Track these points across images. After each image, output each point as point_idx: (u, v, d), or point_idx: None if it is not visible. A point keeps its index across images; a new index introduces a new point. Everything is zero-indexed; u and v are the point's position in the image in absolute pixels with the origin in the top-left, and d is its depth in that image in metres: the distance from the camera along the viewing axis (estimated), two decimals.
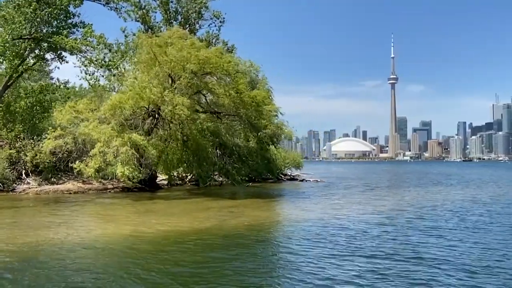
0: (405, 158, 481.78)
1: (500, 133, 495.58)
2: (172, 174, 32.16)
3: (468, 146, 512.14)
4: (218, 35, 66.05)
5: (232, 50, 66.37)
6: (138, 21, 56.93)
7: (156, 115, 25.63)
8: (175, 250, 11.73)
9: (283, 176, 47.07)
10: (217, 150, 26.32)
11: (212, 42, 66.65)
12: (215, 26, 63.29)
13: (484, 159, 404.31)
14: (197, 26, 64.51)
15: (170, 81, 25.58)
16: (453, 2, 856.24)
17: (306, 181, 45.51)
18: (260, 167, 27.85)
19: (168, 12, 60.88)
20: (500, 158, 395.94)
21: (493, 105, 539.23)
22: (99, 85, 31.49)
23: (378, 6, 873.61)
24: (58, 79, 35.90)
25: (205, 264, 10.02)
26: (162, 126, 24.81)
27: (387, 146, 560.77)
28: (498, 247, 12.02)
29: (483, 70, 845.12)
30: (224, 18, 62.90)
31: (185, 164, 26.02)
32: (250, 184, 38.32)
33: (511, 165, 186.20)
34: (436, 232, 14.65)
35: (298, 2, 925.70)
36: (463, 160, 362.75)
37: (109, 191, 30.03)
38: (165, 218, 18.01)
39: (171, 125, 24.25)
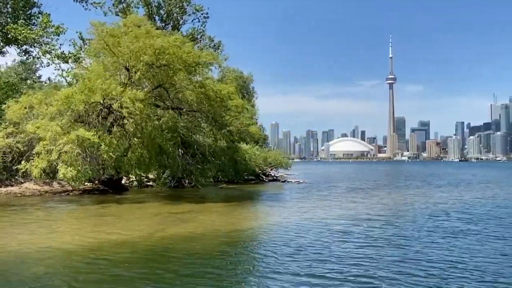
0: (403, 158, 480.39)
1: (498, 133, 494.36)
2: (140, 174, 30.26)
3: (466, 146, 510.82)
4: (203, 31, 64.27)
5: (219, 46, 64.24)
6: (118, 15, 55.06)
7: (114, 111, 23.57)
8: (72, 269, 9.78)
9: (264, 177, 45.20)
10: (180, 150, 24.29)
11: (197, 38, 64.90)
12: (199, 21, 61.54)
13: (482, 159, 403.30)
14: (181, 21, 62.84)
15: (127, 74, 23.54)
16: (452, 2, 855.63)
17: (288, 182, 43.65)
18: (227, 168, 25.83)
19: (150, 6, 58.83)
20: (498, 158, 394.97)
21: (491, 105, 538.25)
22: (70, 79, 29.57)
23: (376, 6, 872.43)
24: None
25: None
26: (117, 123, 22.76)
27: (386, 146, 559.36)
28: (460, 265, 10.04)
29: (481, 70, 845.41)
30: (207, 13, 61.20)
31: (144, 165, 23.97)
32: (224, 185, 36.34)
33: (508, 165, 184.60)
34: (395, 242, 12.70)
35: (297, 2, 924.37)
36: (460, 160, 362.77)
37: (68, 194, 28.00)
38: (100, 226, 16.12)
39: (125, 121, 22.22)
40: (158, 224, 16.39)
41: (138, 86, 25.52)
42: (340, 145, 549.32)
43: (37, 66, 43.58)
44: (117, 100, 20.73)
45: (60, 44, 29.38)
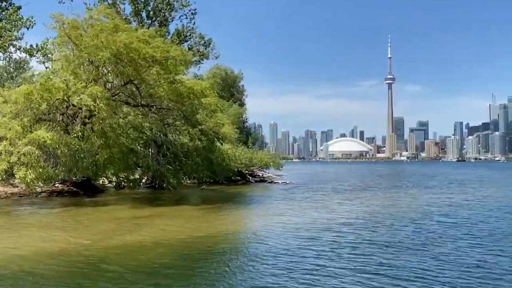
0: (402, 158, 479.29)
1: (497, 133, 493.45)
2: (118, 175, 28.93)
3: (465, 146, 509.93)
4: (193, 28, 62.99)
5: (210, 44, 63.12)
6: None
7: (81, 109, 22.23)
8: None
9: (251, 178, 43.92)
10: (150, 149, 22.99)
11: (186, 35, 63.54)
12: (187, 18, 60.28)
13: (480, 159, 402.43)
14: (169, 18, 61.52)
15: (92, 69, 22.20)
16: (451, 2, 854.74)
17: (274, 183, 42.38)
18: (201, 168, 24.50)
19: (136, 2, 57.59)
20: (497, 158, 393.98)
21: (489, 105, 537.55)
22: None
23: (375, 6, 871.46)
24: None
25: None
26: (82, 122, 21.42)
27: (384, 146, 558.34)
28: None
29: (480, 70, 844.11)
30: (195, 9, 59.91)
31: (112, 166, 22.61)
32: (205, 187, 35.02)
33: (507, 165, 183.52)
34: (361, 250, 11.41)
35: (295, 1, 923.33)
36: (457, 160, 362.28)
37: (36, 196, 26.66)
38: (46, 231, 14.94)
39: (87, 119, 20.89)
40: (111, 230, 15.07)
41: (108, 82, 24.25)
42: (339, 145, 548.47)
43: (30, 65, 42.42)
44: (78, 97, 19.38)
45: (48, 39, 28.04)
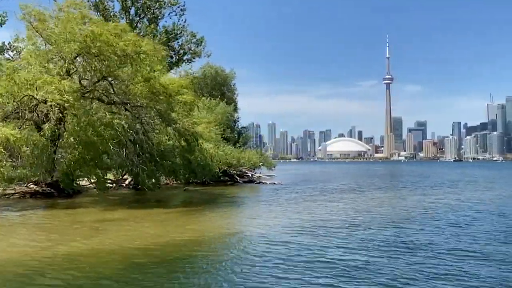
0: (400, 158, 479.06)
1: (495, 133, 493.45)
2: (99, 175, 27.88)
3: (463, 146, 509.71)
4: (183, 26, 61.96)
5: (201, 42, 62.23)
6: (90, 9, 52.71)
7: (49, 107, 21.17)
8: None
9: (239, 178, 42.93)
10: (124, 149, 21.96)
11: (177, 33, 62.48)
12: (176, 14, 59.32)
13: (479, 159, 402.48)
14: (159, 16, 60.53)
15: (62, 64, 21.18)
16: (449, 3, 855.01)
17: (263, 183, 41.40)
18: (178, 168, 23.43)
19: None
20: (495, 158, 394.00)
21: (487, 105, 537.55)
22: None
23: (373, 6, 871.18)
24: None
25: None
26: (50, 119, 20.39)
27: (383, 146, 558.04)
28: None
29: (478, 71, 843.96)
30: (184, 5, 58.95)
31: (84, 166, 21.56)
32: (188, 188, 33.98)
33: (504, 165, 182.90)
34: (327, 257, 10.40)
35: (294, 1, 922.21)
36: (455, 160, 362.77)
37: (8, 197, 25.56)
38: None
39: (55, 116, 19.87)
40: (68, 235, 14.03)
41: (85, 79, 23.23)
42: (337, 145, 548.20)
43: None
44: (42, 92, 18.33)
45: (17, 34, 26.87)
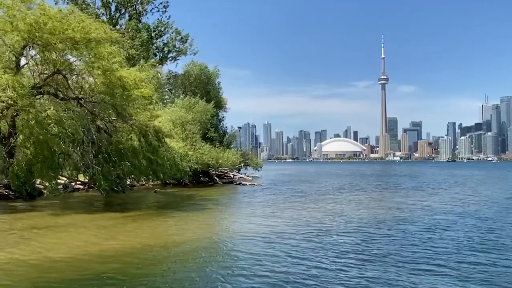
0: (395, 158, 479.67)
1: (489, 133, 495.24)
2: (69, 177, 26.41)
3: (457, 147, 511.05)
4: (167, 23, 60.48)
5: (187, 40, 60.78)
6: (67, 3, 51.18)
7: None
8: None
9: (218, 179, 41.55)
10: (78, 148, 20.51)
11: (161, 30, 60.97)
12: (158, 10, 57.87)
13: (473, 159, 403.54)
14: (142, 12, 59.02)
15: (10, 56, 19.66)
16: (444, 3, 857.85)
17: (242, 184, 40.03)
18: (138, 169, 21.93)
19: None
20: (489, 158, 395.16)
21: (482, 105, 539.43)
22: None
23: (369, 7, 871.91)
24: None
25: None
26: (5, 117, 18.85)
27: (378, 147, 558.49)
28: None
29: (473, 71, 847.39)
30: (167, 1, 57.53)
31: (35, 167, 20.06)
32: (158, 190, 32.50)
33: (498, 165, 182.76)
34: (269, 267, 9.04)
35: (290, 3, 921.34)
36: (447, 161, 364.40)
37: None
38: None
39: (9, 114, 18.35)
40: None
41: (42, 73, 21.67)
42: (333, 146, 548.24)
43: None
44: None
45: None
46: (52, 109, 18.77)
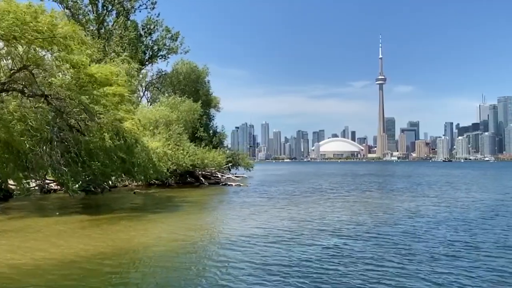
0: (393, 158, 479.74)
1: (486, 133, 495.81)
2: (44, 178, 25.43)
3: (455, 147, 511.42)
4: (157, 20, 59.55)
5: (177, 38, 59.83)
6: (54, 1, 50.16)
7: None
8: None
9: (204, 180, 40.61)
10: (45, 148, 19.60)
11: (150, 28, 60.02)
12: (146, 7, 56.90)
13: (470, 159, 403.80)
14: (131, 10, 58.07)
15: None
16: (442, 4, 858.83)
17: (228, 185, 39.12)
18: (109, 170, 20.92)
19: None
20: (487, 158, 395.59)
21: (479, 105, 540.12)
22: None
23: (366, 7, 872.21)
24: None
25: None
26: None
27: (376, 147, 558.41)
28: None
29: (470, 71, 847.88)
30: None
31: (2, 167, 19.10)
32: (138, 191, 31.53)
33: (494, 165, 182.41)
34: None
35: (287, 3, 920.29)
36: (444, 161, 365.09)
37: None
38: None
39: None
40: None
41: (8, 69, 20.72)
42: (330, 146, 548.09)
43: None
44: None
45: None
46: (13, 104, 17.81)
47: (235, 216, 18.91)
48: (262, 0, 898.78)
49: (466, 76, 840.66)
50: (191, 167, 37.32)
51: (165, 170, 27.19)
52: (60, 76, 19.87)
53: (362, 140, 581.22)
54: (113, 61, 22.85)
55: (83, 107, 19.66)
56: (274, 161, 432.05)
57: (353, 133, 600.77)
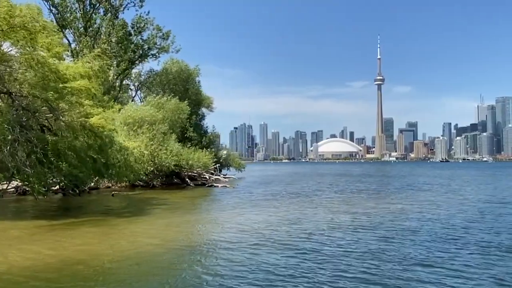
0: (391, 158, 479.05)
1: (484, 134, 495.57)
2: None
3: (453, 147, 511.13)
4: (147, 19, 58.46)
5: (168, 36, 58.72)
6: None
7: None
8: None
9: (189, 181, 39.57)
10: (9, 148, 18.54)
11: (140, 26, 58.88)
12: (135, 5, 55.83)
13: (468, 159, 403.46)
14: (120, 8, 57.03)
15: None
16: (439, 4, 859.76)
17: (214, 186, 38.09)
18: (77, 170, 19.78)
19: None
20: (485, 159, 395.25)
21: (477, 106, 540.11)
22: None
23: (364, 7, 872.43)
24: None
25: None
26: None
27: (374, 147, 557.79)
28: None
29: (469, 72, 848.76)
30: None
31: None
32: (116, 192, 30.43)
33: (492, 165, 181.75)
34: None
35: (285, 3, 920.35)
36: (441, 161, 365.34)
37: None
38: None
39: None
40: None
41: None
42: (329, 146, 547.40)
43: None
44: None
45: None
46: None
47: (210, 219, 17.94)
48: (260, 0, 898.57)
49: (464, 77, 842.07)
50: (175, 168, 36.28)
51: (143, 172, 26.08)
52: (25, 72, 18.82)
53: (361, 141, 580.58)
54: (85, 57, 21.70)
55: (48, 105, 18.61)
56: (272, 162, 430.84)
57: (352, 133, 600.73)
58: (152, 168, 30.60)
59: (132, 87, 63.89)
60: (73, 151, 19.94)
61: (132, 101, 57.67)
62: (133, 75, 61.56)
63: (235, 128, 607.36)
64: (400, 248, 11.91)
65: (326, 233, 14.36)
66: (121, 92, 59.20)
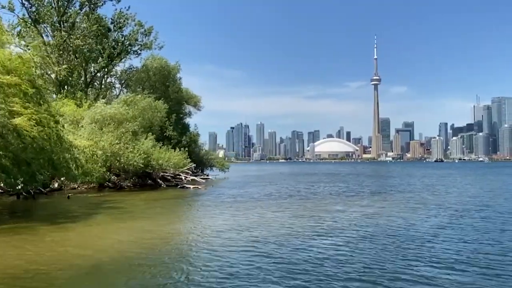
0: (387, 158, 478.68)
1: (480, 134, 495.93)
2: None
3: (449, 147, 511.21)
4: (127, 14, 56.55)
5: (150, 33, 56.77)
6: None
7: None
8: None
9: (162, 182, 37.73)
10: None
11: (120, 22, 56.86)
12: (111, 1, 53.97)
13: (465, 159, 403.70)
14: (99, 3, 55.26)
15: None
16: (436, 5, 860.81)
17: (186, 187, 36.28)
18: (6, 172, 17.92)
19: None
20: (481, 159, 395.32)
21: (474, 106, 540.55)
22: None
23: (361, 8, 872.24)
24: None
25: None
26: None
27: (370, 147, 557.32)
28: None
29: (465, 72, 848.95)
30: None
31: None
32: (71, 195, 28.48)
33: (487, 165, 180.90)
34: None
35: (283, 4, 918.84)
36: (435, 161, 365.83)
37: None
38: None
39: None
40: None
41: None
42: (325, 146, 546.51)
43: None
44: None
45: None
46: None
47: (164, 222, 16.17)
48: (259, 1, 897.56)
49: (460, 77, 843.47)
50: (147, 168, 34.44)
51: (96, 172, 24.20)
52: None
53: (357, 141, 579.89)
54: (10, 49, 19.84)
55: None
56: (268, 162, 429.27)
57: (348, 133, 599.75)
58: (105, 169, 28.61)
59: (118, 85, 61.88)
60: (3, 150, 18.01)
61: (117, 98, 55.78)
62: (119, 73, 59.61)
63: (232, 128, 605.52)
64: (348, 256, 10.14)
65: (273, 239, 12.59)
66: (103, 89, 57.27)
